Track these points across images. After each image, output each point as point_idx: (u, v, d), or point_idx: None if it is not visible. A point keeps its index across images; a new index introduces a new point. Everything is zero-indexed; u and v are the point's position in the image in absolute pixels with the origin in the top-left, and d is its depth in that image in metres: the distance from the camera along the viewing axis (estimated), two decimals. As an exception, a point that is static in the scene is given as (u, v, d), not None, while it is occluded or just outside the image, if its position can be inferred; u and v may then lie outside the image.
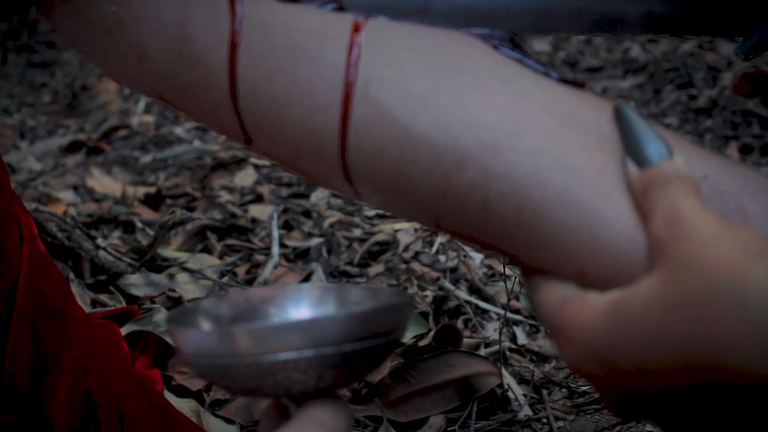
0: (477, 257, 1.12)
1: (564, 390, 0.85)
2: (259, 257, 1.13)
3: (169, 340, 0.87)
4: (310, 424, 0.37)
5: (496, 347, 0.89)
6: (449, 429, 0.79)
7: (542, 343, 0.94)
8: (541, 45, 2.17)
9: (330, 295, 0.44)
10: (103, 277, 1.01)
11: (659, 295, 0.31)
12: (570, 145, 0.36)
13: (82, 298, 0.94)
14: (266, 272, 1.08)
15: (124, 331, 0.83)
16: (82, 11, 0.42)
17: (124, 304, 0.96)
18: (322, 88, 0.38)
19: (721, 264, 0.29)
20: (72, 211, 1.30)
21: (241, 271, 1.10)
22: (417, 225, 1.21)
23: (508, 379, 0.84)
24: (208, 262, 1.10)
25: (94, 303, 0.96)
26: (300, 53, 0.38)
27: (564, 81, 0.39)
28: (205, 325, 0.43)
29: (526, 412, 0.81)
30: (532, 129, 0.36)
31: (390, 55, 0.38)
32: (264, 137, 0.41)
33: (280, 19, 0.39)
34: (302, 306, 0.44)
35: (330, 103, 0.38)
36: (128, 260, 1.04)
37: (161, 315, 0.89)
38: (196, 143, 1.63)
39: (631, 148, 0.35)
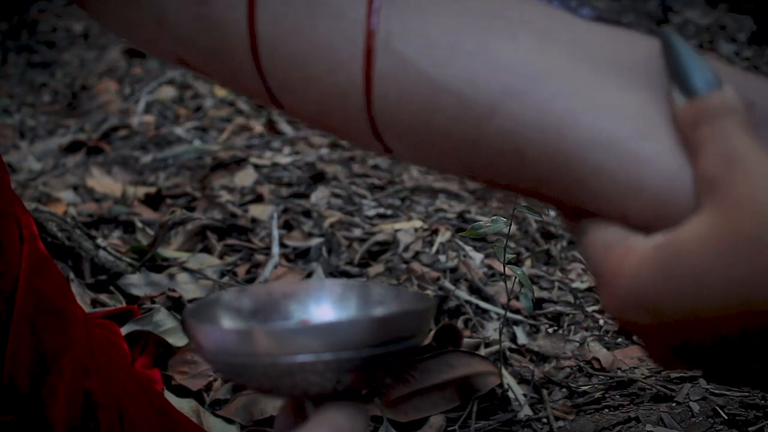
0: (477, 257, 1.12)
1: (564, 390, 0.85)
2: (260, 257, 1.13)
3: (169, 340, 0.87)
4: (325, 428, 0.36)
5: (496, 347, 0.89)
6: (449, 429, 0.79)
7: (542, 343, 0.94)
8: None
9: (352, 292, 0.44)
10: (103, 277, 1.01)
11: (712, 237, 0.29)
12: (602, 85, 0.34)
13: (82, 298, 0.94)
14: (266, 272, 1.08)
15: (124, 331, 0.83)
16: None
17: (124, 304, 0.96)
18: (343, 44, 0.37)
19: None
20: (72, 211, 1.30)
21: (241, 271, 1.10)
22: (417, 225, 1.21)
23: (508, 379, 0.84)
24: (208, 262, 1.10)
25: (94, 303, 0.96)
26: (319, 8, 0.37)
27: (596, 19, 0.37)
28: (225, 319, 0.42)
29: (526, 412, 0.81)
30: (560, 71, 0.35)
31: (411, 3, 0.37)
32: (289, 97, 0.40)
33: None
34: (323, 303, 0.44)
35: (352, 58, 0.37)
36: (128, 260, 1.04)
37: (161, 315, 0.89)
38: (196, 143, 1.63)
39: (678, 78, 0.33)
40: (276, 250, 1.14)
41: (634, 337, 0.92)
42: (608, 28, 0.37)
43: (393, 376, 0.40)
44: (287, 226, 1.24)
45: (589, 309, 1.00)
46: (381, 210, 1.29)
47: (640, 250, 0.32)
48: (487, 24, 0.36)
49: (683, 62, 0.34)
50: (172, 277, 1.04)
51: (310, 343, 0.35)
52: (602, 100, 0.34)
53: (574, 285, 1.06)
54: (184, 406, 0.79)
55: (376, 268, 1.10)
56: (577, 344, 0.93)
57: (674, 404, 0.81)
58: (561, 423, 0.80)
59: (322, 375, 0.36)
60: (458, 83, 0.35)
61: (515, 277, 0.77)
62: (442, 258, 1.12)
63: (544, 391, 0.84)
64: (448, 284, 1.03)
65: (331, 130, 0.42)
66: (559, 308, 1.00)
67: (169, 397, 0.80)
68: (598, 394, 0.84)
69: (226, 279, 1.06)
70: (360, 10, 0.37)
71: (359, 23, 0.37)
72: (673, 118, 0.33)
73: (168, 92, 1.94)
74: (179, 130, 1.70)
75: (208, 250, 1.16)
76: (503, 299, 1.00)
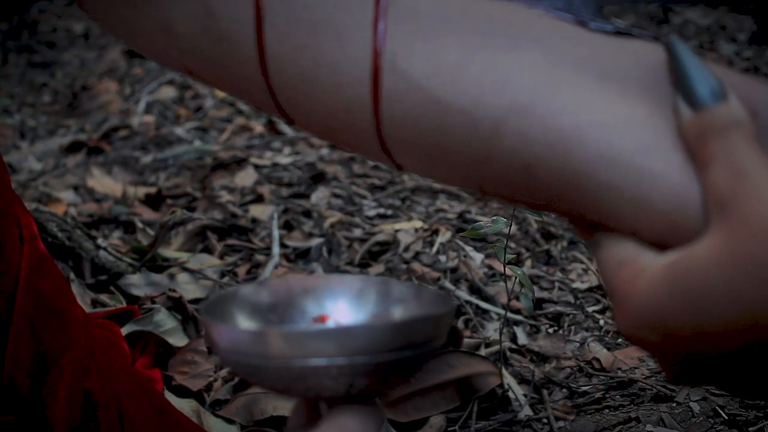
0: (477, 257, 1.12)
1: (564, 390, 0.85)
2: (260, 257, 1.13)
3: (169, 340, 0.87)
4: None
5: (496, 347, 0.89)
6: (449, 429, 0.79)
7: (542, 343, 0.94)
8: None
9: (372, 288, 0.43)
10: (103, 277, 1.01)
11: (721, 259, 0.29)
12: (608, 99, 0.34)
13: (82, 298, 0.94)
14: (267, 272, 1.08)
15: (124, 331, 0.83)
16: None
17: (124, 304, 0.96)
18: (349, 64, 0.37)
19: None
20: (72, 211, 1.30)
21: (241, 271, 1.10)
22: (417, 225, 1.21)
23: (509, 379, 0.84)
24: (209, 262, 1.10)
25: (95, 303, 0.96)
26: (324, 28, 0.37)
27: (607, 29, 0.36)
28: (242, 315, 0.42)
29: (526, 412, 0.81)
30: (567, 86, 0.34)
31: (416, 23, 0.36)
32: (299, 113, 0.40)
33: None
34: (342, 300, 0.43)
35: (359, 78, 0.37)
36: (128, 260, 1.04)
37: (161, 315, 0.89)
38: (197, 143, 1.63)
39: (683, 88, 0.33)
40: (276, 250, 1.14)
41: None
42: (614, 39, 0.36)
43: (407, 380, 0.40)
44: (287, 226, 1.24)
45: (590, 309, 1.00)
46: (381, 210, 1.29)
47: (651, 271, 0.32)
48: (493, 42, 0.36)
49: (688, 72, 0.33)
50: (172, 277, 1.04)
51: (324, 346, 0.35)
52: (609, 114, 0.34)
53: (575, 285, 1.06)
54: (184, 406, 0.79)
55: (377, 269, 1.10)
56: (578, 344, 0.93)
57: (674, 404, 0.81)
58: (561, 423, 0.80)
59: (336, 379, 0.36)
60: (465, 102, 0.35)
61: (515, 278, 0.77)
62: (443, 258, 1.12)
63: (545, 392, 0.84)
64: (448, 284, 1.03)
65: (342, 144, 0.41)
66: (559, 308, 1.00)
67: (170, 397, 0.80)
68: (598, 395, 0.83)
69: (226, 279, 1.06)
70: (365, 31, 0.37)
71: (365, 43, 0.37)
72: (680, 130, 0.33)
73: (168, 92, 1.94)
74: (179, 131, 1.70)
75: (208, 250, 1.16)
76: (503, 299, 1.00)
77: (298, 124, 0.41)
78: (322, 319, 0.43)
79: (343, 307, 0.43)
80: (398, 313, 0.42)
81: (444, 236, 1.18)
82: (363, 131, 0.38)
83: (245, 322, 0.42)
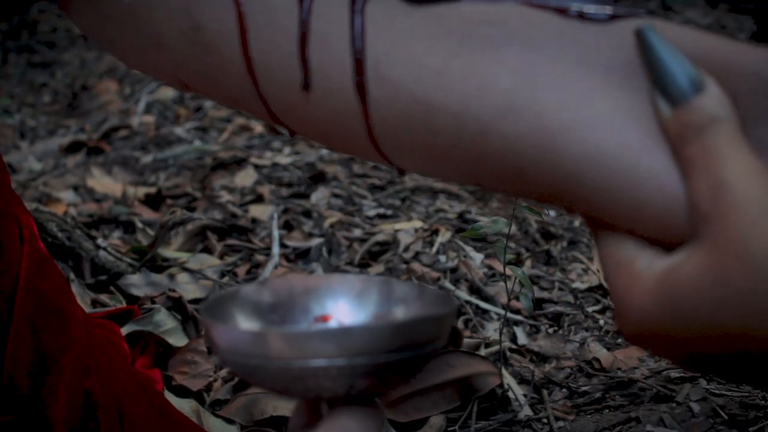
0: (477, 257, 1.12)
1: (564, 390, 0.85)
2: (260, 257, 1.13)
3: (169, 340, 0.87)
4: None
5: (496, 347, 0.89)
6: (449, 429, 0.79)
7: (542, 343, 0.94)
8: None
9: (373, 288, 0.43)
10: (103, 277, 1.01)
11: (707, 273, 0.29)
12: (590, 93, 0.33)
13: (82, 298, 0.94)
14: (266, 272, 1.08)
15: (124, 331, 0.83)
16: (98, 5, 0.42)
17: (124, 304, 0.96)
18: (334, 71, 0.37)
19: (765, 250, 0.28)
20: (72, 211, 1.30)
21: (241, 271, 1.10)
22: (417, 225, 1.21)
23: (509, 379, 0.84)
24: (209, 262, 1.10)
25: (95, 303, 0.96)
26: (308, 36, 0.37)
27: (586, 14, 0.35)
28: (242, 314, 0.42)
29: (526, 412, 0.81)
30: (547, 83, 0.34)
31: (395, 27, 0.36)
32: (293, 121, 0.40)
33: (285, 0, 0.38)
34: (342, 300, 0.43)
35: (345, 85, 0.37)
36: (128, 260, 1.04)
37: (161, 315, 0.89)
38: (197, 143, 1.63)
39: (659, 83, 0.32)
40: (276, 250, 1.14)
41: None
42: (596, 25, 0.35)
43: (408, 381, 0.39)
44: (287, 227, 1.24)
45: (589, 309, 1.00)
46: (381, 210, 1.29)
47: (643, 280, 0.32)
48: (471, 44, 0.35)
49: (662, 65, 0.32)
50: (172, 277, 1.04)
51: (323, 347, 0.35)
52: (592, 111, 0.33)
53: (574, 285, 1.06)
54: (184, 406, 0.79)
55: (377, 269, 1.10)
56: (577, 344, 0.93)
57: (674, 404, 0.81)
58: (561, 423, 0.80)
59: (336, 380, 0.36)
60: (450, 106, 0.35)
61: (515, 278, 0.77)
62: (443, 258, 1.12)
63: (545, 392, 0.84)
64: (448, 284, 1.03)
65: (339, 149, 0.41)
66: (559, 308, 1.00)
67: (170, 397, 0.80)
68: (598, 395, 0.83)
69: (226, 279, 1.06)
70: (345, 38, 0.37)
71: (346, 50, 0.37)
72: (661, 129, 0.32)
73: (168, 92, 1.94)
74: (179, 130, 1.70)
75: (208, 250, 1.16)
76: (503, 299, 1.00)
77: (296, 131, 0.42)
78: (324, 318, 0.43)
79: (344, 307, 0.43)
80: (400, 313, 0.42)
81: (444, 236, 1.18)
82: (357, 136, 0.38)
83: (246, 322, 0.42)
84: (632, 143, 0.32)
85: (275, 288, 0.43)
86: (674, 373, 0.85)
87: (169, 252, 1.12)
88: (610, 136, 0.32)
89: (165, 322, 0.89)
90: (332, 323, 0.43)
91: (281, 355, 0.35)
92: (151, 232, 1.17)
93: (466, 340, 0.88)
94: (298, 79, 0.38)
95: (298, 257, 1.15)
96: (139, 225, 1.21)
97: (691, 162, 0.31)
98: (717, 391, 0.82)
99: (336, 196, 1.35)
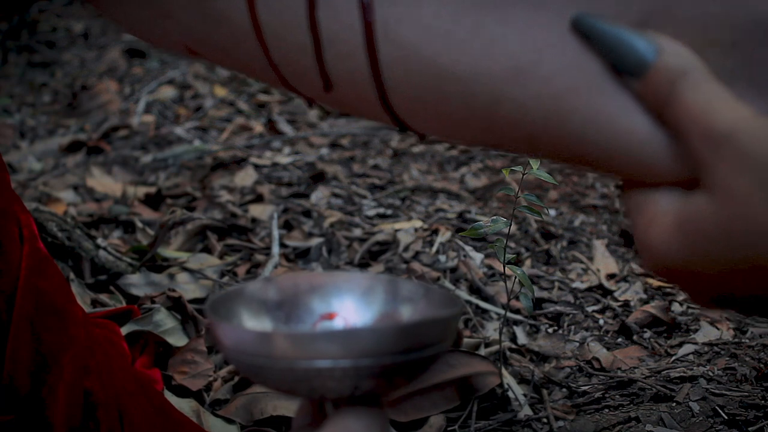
0: (477, 257, 1.12)
1: (564, 390, 0.85)
2: (260, 257, 1.13)
3: (169, 340, 0.87)
4: None
5: (496, 347, 0.89)
6: (449, 429, 0.79)
7: (542, 343, 0.94)
8: None
9: (379, 287, 0.43)
10: (103, 277, 1.01)
11: (715, 212, 0.31)
12: (590, 56, 0.34)
13: (82, 297, 0.94)
14: (266, 272, 1.08)
15: (124, 330, 0.83)
16: None
17: (124, 304, 0.96)
18: (344, 34, 0.37)
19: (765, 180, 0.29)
20: (72, 210, 1.30)
21: (241, 270, 1.10)
22: (417, 225, 1.21)
23: (508, 379, 0.84)
24: (209, 262, 1.10)
25: (94, 303, 0.96)
26: (317, 0, 0.37)
27: None
28: (247, 313, 0.41)
29: (526, 411, 0.81)
30: (551, 47, 0.34)
31: None
32: (306, 87, 0.40)
33: None
34: (348, 298, 0.43)
35: (356, 48, 0.37)
36: (128, 260, 1.04)
37: (161, 315, 0.89)
38: (197, 143, 1.63)
39: (617, 62, 0.33)
40: (276, 250, 1.14)
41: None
42: None
43: (413, 382, 0.39)
44: (287, 226, 1.24)
45: (589, 309, 1.00)
46: (381, 210, 1.30)
47: (661, 222, 0.33)
48: (476, 5, 0.35)
49: (610, 44, 0.33)
50: (172, 277, 1.04)
51: (328, 348, 0.35)
52: (591, 74, 0.34)
53: (574, 285, 1.06)
54: (184, 406, 0.79)
55: (376, 268, 1.10)
56: (577, 344, 0.93)
57: (674, 404, 0.81)
58: (561, 423, 0.80)
59: (340, 381, 0.35)
60: (459, 71, 0.35)
61: (515, 277, 0.77)
62: (442, 258, 1.12)
63: (544, 391, 0.84)
64: (448, 284, 1.03)
65: (356, 114, 0.41)
66: (559, 308, 1.00)
67: (169, 397, 0.80)
68: (598, 394, 0.84)
69: (226, 279, 1.06)
70: (355, 1, 0.36)
71: (355, 12, 0.36)
72: (639, 99, 0.33)
73: (168, 92, 1.94)
74: (179, 130, 1.70)
75: (208, 250, 1.16)
76: (503, 299, 1.00)
77: (311, 98, 0.41)
78: (329, 316, 0.43)
79: (350, 305, 0.43)
80: (406, 312, 0.42)
81: (444, 236, 1.18)
82: (372, 102, 0.38)
83: (251, 320, 0.42)
84: (630, 105, 0.33)
85: (280, 285, 0.43)
86: (674, 373, 0.85)
87: (168, 252, 1.12)
88: (609, 99, 0.33)
89: (165, 322, 0.89)
90: (338, 321, 0.42)
91: (286, 356, 0.35)
92: (151, 232, 1.17)
93: (466, 340, 0.88)
94: (309, 44, 0.38)
95: (298, 257, 1.15)
96: (139, 225, 1.21)
97: (676, 121, 0.32)
98: (717, 391, 0.82)
99: (336, 195, 1.35)
